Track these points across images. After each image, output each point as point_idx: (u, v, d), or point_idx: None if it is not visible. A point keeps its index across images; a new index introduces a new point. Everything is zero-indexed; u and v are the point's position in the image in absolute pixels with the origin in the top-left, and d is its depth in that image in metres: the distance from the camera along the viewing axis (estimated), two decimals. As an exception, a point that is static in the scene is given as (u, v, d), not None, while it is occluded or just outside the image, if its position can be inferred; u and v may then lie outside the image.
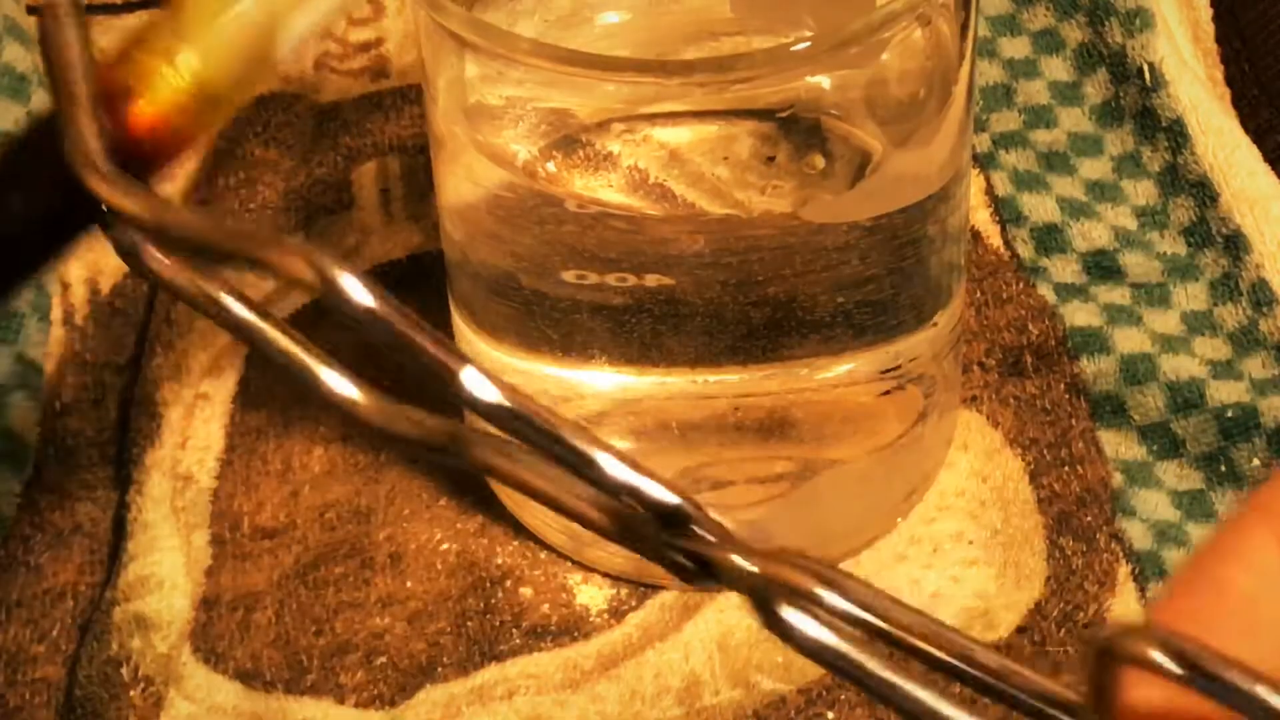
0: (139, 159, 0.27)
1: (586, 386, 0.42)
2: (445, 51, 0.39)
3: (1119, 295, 0.49)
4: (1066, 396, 0.47)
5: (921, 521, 0.45)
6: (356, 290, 0.23)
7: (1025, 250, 0.51)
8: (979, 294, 0.50)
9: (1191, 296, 0.49)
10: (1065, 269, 0.50)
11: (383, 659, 0.43)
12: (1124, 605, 0.43)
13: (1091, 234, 0.51)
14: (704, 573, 0.23)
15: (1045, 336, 0.48)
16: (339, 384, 0.25)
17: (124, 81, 0.27)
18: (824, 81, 0.39)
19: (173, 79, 0.27)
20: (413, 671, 0.43)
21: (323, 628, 0.44)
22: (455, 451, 0.24)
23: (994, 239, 0.51)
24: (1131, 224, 0.51)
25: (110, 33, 0.57)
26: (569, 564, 0.45)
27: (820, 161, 0.40)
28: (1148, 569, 0.44)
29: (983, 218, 0.51)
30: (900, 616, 0.22)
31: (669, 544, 0.23)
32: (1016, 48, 0.55)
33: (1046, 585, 0.44)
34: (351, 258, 0.51)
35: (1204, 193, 0.51)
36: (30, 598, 0.45)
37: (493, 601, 0.44)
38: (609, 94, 0.38)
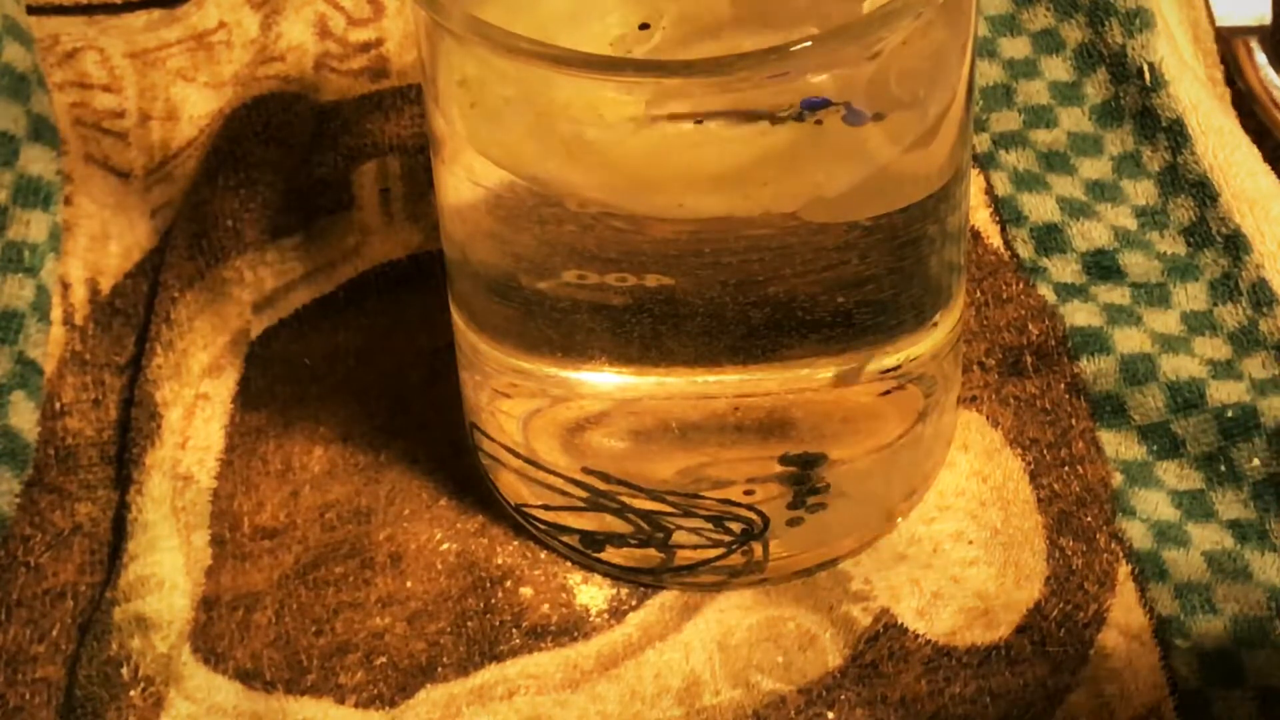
0: None
1: (586, 386, 0.42)
2: (445, 51, 0.39)
3: (1119, 295, 0.49)
4: (1066, 396, 0.47)
5: (921, 521, 0.45)
6: None
7: (1025, 250, 0.51)
8: (979, 294, 0.50)
9: (1191, 296, 0.49)
10: (1065, 269, 0.50)
11: (383, 659, 0.43)
12: (1124, 605, 0.43)
13: (1091, 234, 0.51)
14: None
15: (1045, 336, 0.48)
16: None
17: None
18: (824, 81, 0.39)
19: None
20: (413, 671, 0.43)
21: (323, 628, 0.44)
22: None
23: (994, 239, 0.51)
24: (1131, 224, 0.51)
25: (110, 33, 0.57)
26: (569, 564, 0.45)
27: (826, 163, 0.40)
28: (1148, 569, 0.44)
29: (983, 218, 0.51)
30: None
31: None
32: (1016, 48, 0.55)
33: (1046, 585, 0.44)
34: (351, 258, 0.52)
35: (1204, 193, 0.51)
36: (30, 598, 0.45)
37: (493, 601, 0.44)
38: (609, 94, 0.38)
